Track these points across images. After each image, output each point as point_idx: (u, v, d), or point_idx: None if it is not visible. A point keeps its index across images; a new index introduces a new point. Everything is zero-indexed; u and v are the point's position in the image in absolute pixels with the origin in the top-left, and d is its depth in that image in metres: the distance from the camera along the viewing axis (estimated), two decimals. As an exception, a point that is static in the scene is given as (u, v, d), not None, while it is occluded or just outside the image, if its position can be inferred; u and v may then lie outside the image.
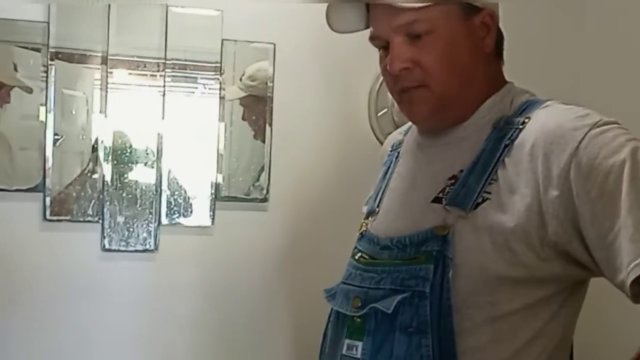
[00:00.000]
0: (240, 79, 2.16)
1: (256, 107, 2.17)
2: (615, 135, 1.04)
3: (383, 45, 1.22)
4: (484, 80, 1.21)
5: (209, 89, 2.13)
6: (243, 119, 2.17)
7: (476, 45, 1.20)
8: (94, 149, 2.05)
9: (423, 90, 1.18)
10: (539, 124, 1.10)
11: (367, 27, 1.26)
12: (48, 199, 2.01)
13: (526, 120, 1.12)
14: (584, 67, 2.25)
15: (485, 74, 1.22)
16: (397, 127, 2.16)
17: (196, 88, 2.14)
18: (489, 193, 1.10)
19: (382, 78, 2.13)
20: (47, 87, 2.01)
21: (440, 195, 1.15)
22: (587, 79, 2.22)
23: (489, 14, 1.20)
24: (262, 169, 2.17)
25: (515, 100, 1.19)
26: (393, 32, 1.18)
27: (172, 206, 2.11)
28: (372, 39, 1.24)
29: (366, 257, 1.24)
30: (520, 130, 1.12)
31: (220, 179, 2.14)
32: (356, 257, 1.26)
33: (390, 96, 2.12)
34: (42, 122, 2.01)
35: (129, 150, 2.08)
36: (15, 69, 2.01)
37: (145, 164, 2.09)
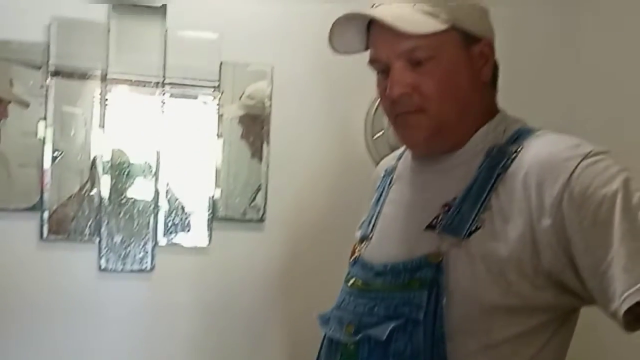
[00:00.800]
0: (240, 98, 2.18)
1: (253, 126, 2.19)
2: (607, 165, 1.05)
3: (382, 68, 1.22)
4: (479, 109, 1.22)
5: (208, 106, 2.15)
6: (242, 137, 2.19)
7: (474, 74, 1.21)
8: (93, 166, 2.06)
9: (420, 115, 1.18)
10: (532, 153, 1.11)
11: (366, 49, 1.27)
12: (46, 218, 2.01)
13: (519, 149, 1.13)
14: (578, 97, 2.27)
15: (482, 102, 1.23)
16: (393, 149, 2.16)
17: (195, 105, 2.15)
18: (483, 221, 1.10)
19: (378, 101, 2.17)
20: (46, 104, 2.02)
21: (434, 222, 1.15)
22: (581, 109, 2.23)
23: (487, 44, 1.21)
24: (259, 188, 2.18)
25: (508, 129, 1.19)
26: (394, 57, 1.18)
27: (169, 226, 2.12)
28: (372, 61, 1.24)
29: (360, 283, 1.23)
30: (513, 159, 1.12)
31: (217, 194, 2.15)
32: (350, 283, 1.26)
33: (386, 119, 2.15)
34: (40, 139, 2.02)
35: (127, 167, 2.09)
36: (11, 84, 2.02)
37: (144, 179, 2.10)
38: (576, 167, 1.04)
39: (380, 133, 2.21)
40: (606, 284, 1.01)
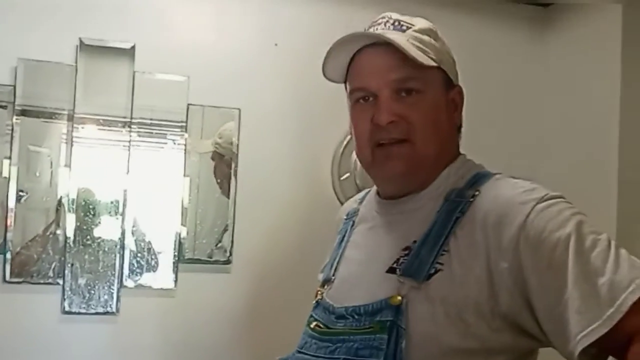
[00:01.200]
0: (209, 138, 2.19)
1: (221, 166, 2.20)
2: (560, 209, 1.07)
3: (365, 97, 1.23)
4: (450, 150, 1.25)
5: (176, 144, 2.16)
6: (215, 174, 2.19)
7: (450, 116, 1.25)
8: (57, 207, 2.05)
9: (406, 145, 1.20)
10: (489, 197, 1.13)
11: (343, 80, 1.28)
12: (9, 260, 1.99)
13: (476, 193, 1.15)
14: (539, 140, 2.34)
15: (453, 144, 1.26)
16: (360, 190, 2.18)
17: (162, 144, 2.16)
18: (442, 264, 1.12)
19: (346, 141, 2.19)
20: (11, 143, 2.01)
21: (395, 265, 1.16)
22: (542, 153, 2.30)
23: (459, 91, 1.26)
24: (226, 229, 2.17)
25: (467, 173, 1.22)
26: (384, 85, 1.19)
27: (134, 267, 2.10)
28: (357, 90, 1.24)
29: (321, 325, 1.24)
30: (471, 202, 1.14)
31: (184, 233, 2.14)
32: (311, 326, 1.26)
33: (353, 160, 2.18)
34: (5, 178, 2.01)
35: (93, 206, 2.08)
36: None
37: (110, 217, 2.09)
38: (531, 210, 1.07)
39: (347, 175, 2.23)
40: (561, 326, 1.03)
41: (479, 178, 1.19)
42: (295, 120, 2.24)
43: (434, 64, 1.19)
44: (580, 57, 2.19)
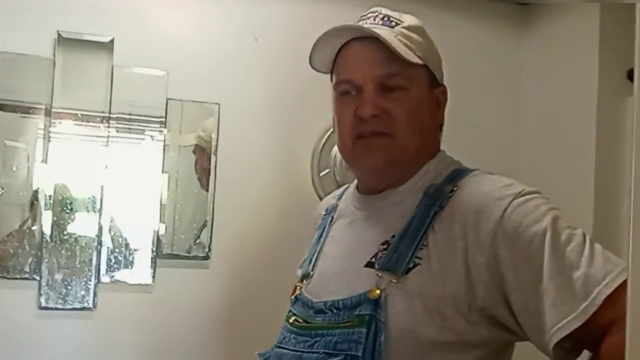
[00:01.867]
0: (188, 134, 2.18)
1: (201, 160, 2.19)
2: (537, 204, 1.09)
3: (349, 90, 1.25)
4: (431, 147, 1.27)
5: (154, 140, 2.14)
6: (195, 169, 2.18)
7: (433, 114, 1.27)
8: (34, 202, 2.03)
9: (387, 138, 1.22)
10: (467, 192, 1.15)
11: (328, 71, 1.30)
12: (-16, 255, 1.97)
13: (454, 189, 1.17)
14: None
15: (433, 142, 1.28)
16: (340, 186, 2.20)
17: (140, 140, 2.15)
18: (420, 258, 1.13)
19: (326, 136, 2.20)
20: (-12, 139, 2.00)
21: (373, 260, 1.18)
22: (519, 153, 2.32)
23: (443, 91, 1.29)
24: (204, 225, 2.17)
25: (445, 169, 1.24)
26: (370, 79, 1.21)
27: (112, 263, 2.09)
28: (342, 82, 1.26)
29: (300, 320, 1.25)
30: (449, 197, 1.16)
31: (162, 230, 2.13)
32: (290, 321, 1.27)
33: (333, 156, 2.19)
34: (-20, 174, 1.99)
35: (70, 202, 2.07)
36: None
37: (87, 213, 2.07)
38: (508, 205, 1.08)
39: (327, 171, 2.23)
40: (537, 319, 1.05)
41: (457, 174, 1.21)
42: (275, 115, 2.24)
43: (419, 61, 1.21)
44: (557, 55, 2.21)
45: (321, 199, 2.22)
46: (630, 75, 1.94)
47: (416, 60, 1.21)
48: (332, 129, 2.18)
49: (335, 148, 2.21)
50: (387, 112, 1.21)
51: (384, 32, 1.20)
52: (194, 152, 2.18)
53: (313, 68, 1.30)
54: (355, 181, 1.36)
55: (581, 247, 1.04)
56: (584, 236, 1.06)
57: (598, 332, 1.01)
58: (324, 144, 2.22)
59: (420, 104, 1.23)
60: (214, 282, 2.17)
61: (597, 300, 1.00)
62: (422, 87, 1.24)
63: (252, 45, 2.22)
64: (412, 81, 1.22)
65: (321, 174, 2.23)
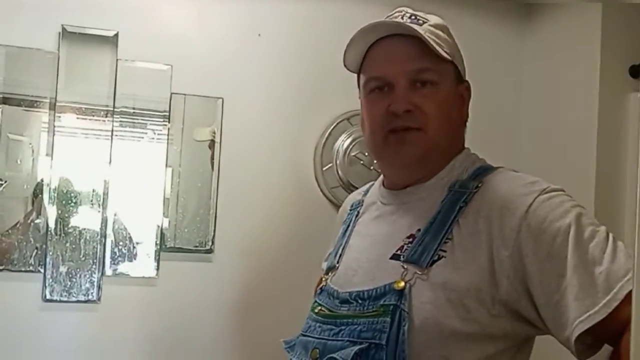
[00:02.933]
0: (191, 128, 2.19)
1: (203, 156, 2.20)
2: (561, 201, 1.12)
3: (381, 86, 1.27)
4: (457, 143, 1.31)
5: (158, 134, 2.15)
6: (211, 163, 2.19)
7: (460, 110, 1.31)
8: (39, 194, 2.03)
9: (420, 133, 1.24)
10: (492, 189, 1.18)
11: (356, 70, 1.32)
12: (-12, 247, 1.97)
13: (479, 185, 1.20)
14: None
15: (460, 137, 1.32)
16: (342, 181, 2.23)
17: (144, 134, 2.15)
18: (445, 252, 1.16)
19: (328, 133, 2.22)
20: (-7, 132, 1.99)
21: (399, 252, 1.21)
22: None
23: (467, 87, 1.33)
24: (208, 218, 2.18)
25: (470, 166, 1.27)
26: (402, 75, 1.24)
27: (116, 256, 2.10)
28: (372, 79, 1.28)
29: (325, 310, 1.27)
30: (474, 193, 1.19)
31: (166, 224, 2.14)
32: (316, 311, 1.30)
33: (335, 150, 2.21)
34: (-15, 167, 1.99)
35: (74, 195, 2.07)
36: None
37: (91, 208, 2.08)
38: (533, 201, 1.12)
39: (329, 165, 2.25)
40: (559, 313, 1.08)
41: (483, 171, 1.24)
42: (279, 110, 2.25)
43: (449, 57, 1.24)
44: (560, 51, 2.24)
45: (323, 193, 2.25)
46: (632, 72, 1.98)
47: (445, 55, 1.24)
48: (335, 124, 2.24)
49: (338, 142, 2.24)
50: (418, 107, 1.23)
51: (415, 29, 1.23)
52: (209, 147, 2.19)
53: (346, 67, 1.32)
54: (381, 177, 1.39)
55: (604, 243, 1.08)
56: (607, 233, 1.10)
57: (619, 327, 1.03)
58: (327, 139, 2.25)
59: (449, 100, 1.27)
60: (217, 276, 2.18)
61: (619, 295, 1.03)
62: (450, 83, 1.28)
63: (255, 40, 2.24)
64: (442, 77, 1.25)
65: (324, 169, 2.25)
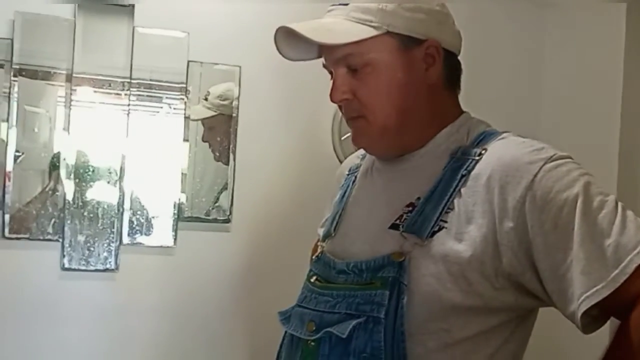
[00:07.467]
0: (206, 99, 2.16)
1: (222, 127, 2.18)
2: (569, 169, 1.06)
3: (330, 72, 1.25)
4: (430, 111, 1.22)
5: (174, 108, 2.13)
6: (203, 140, 2.17)
7: (417, 77, 1.20)
8: (56, 166, 2.04)
9: (362, 120, 1.21)
10: (496, 156, 1.12)
11: (319, 56, 1.28)
12: (7, 217, 1.98)
13: (483, 152, 1.14)
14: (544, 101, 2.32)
15: (432, 104, 1.22)
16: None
17: (161, 108, 2.14)
18: (446, 222, 1.12)
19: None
20: (9, 104, 1.99)
21: (398, 221, 1.16)
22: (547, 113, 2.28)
23: (432, 45, 1.20)
24: (225, 188, 2.17)
25: (472, 131, 1.21)
26: (333, 63, 1.22)
27: (133, 225, 2.10)
28: (324, 66, 1.28)
29: (322, 280, 1.24)
30: (477, 161, 1.13)
31: (183, 199, 2.13)
32: (312, 280, 1.27)
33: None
34: (2, 140, 1.99)
35: (91, 169, 2.07)
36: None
37: (108, 182, 2.08)
38: (539, 170, 1.06)
39: (348, 134, 2.21)
40: (565, 286, 1.03)
41: (486, 136, 1.18)
42: (295, 80, 2.21)
43: (369, 34, 1.16)
44: (583, 24, 2.17)
45: (342, 162, 2.21)
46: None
47: (353, 37, 1.16)
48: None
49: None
50: (354, 93, 1.20)
51: (332, 15, 1.20)
52: (204, 124, 2.17)
53: (289, 59, 1.31)
54: None
55: (613, 214, 1.02)
56: (616, 203, 1.04)
57: (627, 300, 0.99)
58: (345, 108, 2.20)
59: (390, 74, 1.18)
60: (235, 245, 2.17)
61: (628, 269, 0.99)
62: (390, 55, 1.18)
63: (273, 7, 2.19)
64: (372, 55, 1.17)
65: (342, 138, 2.21)
